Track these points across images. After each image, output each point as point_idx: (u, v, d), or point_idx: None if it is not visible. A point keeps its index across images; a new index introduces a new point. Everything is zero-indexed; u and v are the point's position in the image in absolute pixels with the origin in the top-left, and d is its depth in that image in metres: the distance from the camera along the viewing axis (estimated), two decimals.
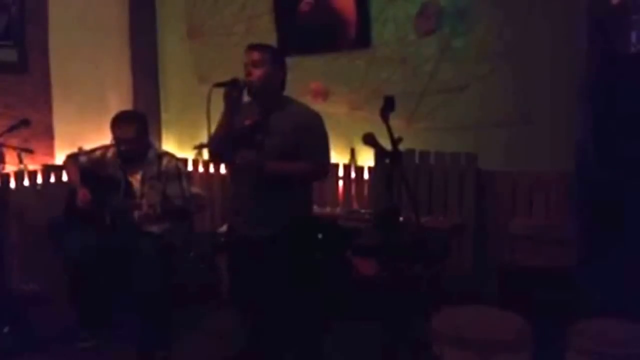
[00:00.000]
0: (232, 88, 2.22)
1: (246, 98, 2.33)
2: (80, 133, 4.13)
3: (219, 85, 2.22)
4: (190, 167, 4.45)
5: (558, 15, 3.16)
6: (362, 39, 3.74)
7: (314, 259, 2.60)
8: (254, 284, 2.39)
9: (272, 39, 3.75)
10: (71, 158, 3.15)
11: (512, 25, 3.29)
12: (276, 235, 2.29)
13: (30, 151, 3.38)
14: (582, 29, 2.93)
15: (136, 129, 2.92)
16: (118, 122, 2.93)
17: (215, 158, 2.64)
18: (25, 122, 3.11)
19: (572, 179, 3.03)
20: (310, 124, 2.35)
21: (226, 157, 2.45)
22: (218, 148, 2.38)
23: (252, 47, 2.31)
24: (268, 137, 2.29)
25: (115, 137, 2.95)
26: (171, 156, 3.14)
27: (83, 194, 2.92)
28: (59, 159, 3.97)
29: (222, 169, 4.26)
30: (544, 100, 3.24)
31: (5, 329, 2.91)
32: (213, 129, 2.27)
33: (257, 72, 2.25)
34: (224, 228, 3.57)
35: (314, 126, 2.36)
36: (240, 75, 2.27)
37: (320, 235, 2.94)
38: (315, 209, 3.19)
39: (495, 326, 2.09)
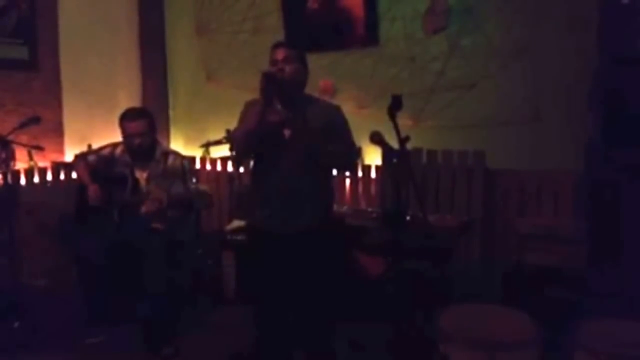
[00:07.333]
0: (269, 81, 2.15)
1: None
2: (90, 130, 4.17)
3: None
4: (197, 165, 4.47)
5: (567, 13, 3.14)
6: (370, 37, 3.73)
7: (336, 257, 2.55)
8: (277, 281, 2.35)
9: (280, 37, 3.75)
10: (80, 157, 3.18)
11: (521, 22, 3.27)
12: (306, 232, 2.28)
13: (40, 148, 3.40)
14: (592, 28, 2.90)
15: (147, 123, 2.99)
16: (129, 118, 2.98)
17: (242, 155, 2.51)
18: (35, 120, 3.13)
19: (581, 179, 3.00)
20: (337, 119, 2.37)
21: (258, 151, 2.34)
22: (247, 144, 2.30)
23: (281, 44, 2.32)
24: (298, 132, 2.27)
25: (128, 133, 2.97)
26: (177, 154, 3.17)
27: (93, 191, 2.96)
28: (69, 156, 4.01)
29: (229, 167, 4.27)
30: (553, 99, 3.22)
31: (16, 324, 2.95)
32: None
33: (289, 68, 2.24)
34: (231, 225, 3.60)
35: (341, 120, 2.38)
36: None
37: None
38: None
39: (503, 325, 2.08)
